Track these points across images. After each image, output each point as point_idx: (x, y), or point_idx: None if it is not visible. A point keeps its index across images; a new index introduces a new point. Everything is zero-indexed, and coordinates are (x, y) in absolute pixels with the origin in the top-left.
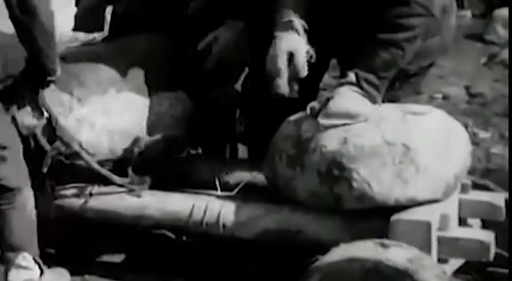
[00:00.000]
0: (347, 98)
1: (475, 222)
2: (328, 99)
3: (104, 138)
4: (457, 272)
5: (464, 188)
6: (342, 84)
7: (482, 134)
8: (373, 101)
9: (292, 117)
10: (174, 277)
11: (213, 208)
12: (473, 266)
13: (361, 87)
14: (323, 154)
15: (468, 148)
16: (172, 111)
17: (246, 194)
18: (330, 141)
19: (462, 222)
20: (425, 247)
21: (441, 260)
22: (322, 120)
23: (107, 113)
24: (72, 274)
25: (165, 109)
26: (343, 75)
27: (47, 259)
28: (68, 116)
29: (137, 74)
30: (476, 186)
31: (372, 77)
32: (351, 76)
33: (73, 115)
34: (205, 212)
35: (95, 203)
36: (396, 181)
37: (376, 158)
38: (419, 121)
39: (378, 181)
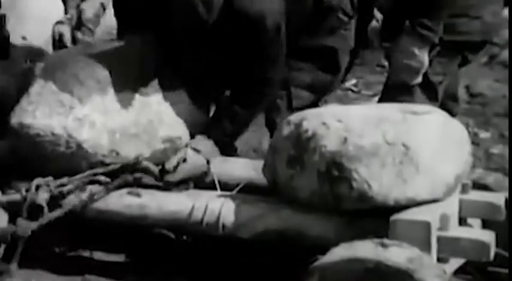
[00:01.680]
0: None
1: (476, 222)
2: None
3: (105, 137)
4: (457, 272)
5: (464, 188)
6: (399, 35)
7: (483, 134)
8: (430, 42)
9: (292, 117)
10: (174, 276)
11: (213, 207)
12: (473, 266)
13: (418, 33)
14: (323, 154)
15: (468, 148)
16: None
17: (246, 194)
18: (330, 141)
19: (462, 222)
20: (425, 247)
21: (441, 260)
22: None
23: (107, 112)
24: (72, 273)
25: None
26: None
27: (47, 259)
28: (69, 116)
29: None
30: (477, 186)
31: (427, 22)
32: (406, 24)
33: (73, 115)
34: (205, 212)
35: (96, 202)
36: (396, 181)
37: (376, 158)
38: (419, 121)
39: (378, 181)
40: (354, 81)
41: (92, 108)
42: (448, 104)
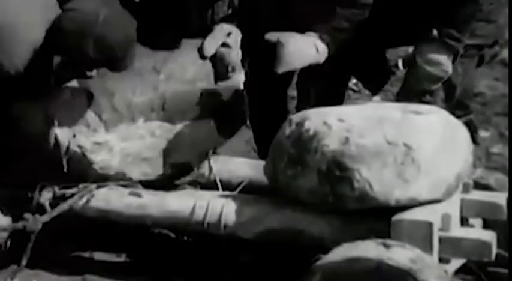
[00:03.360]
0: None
1: (477, 221)
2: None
3: (117, 160)
4: (458, 272)
5: (465, 188)
6: (425, 42)
7: (483, 134)
8: (456, 52)
9: (294, 117)
10: (174, 276)
11: (215, 207)
12: (474, 265)
13: (445, 44)
14: (324, 154)
15: (470, 147)
16: (190, 140)
17: (247, 193)
18: (332, 140)
19: (464, 221)
20: (427, 247)
21: (443, 260)
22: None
23: (128, 139)
24: (72, 273)
25: (184, 138)
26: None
27: (47, 259)
28: (89, 137)
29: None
30: (477, 186)
31: (453, 32)
32: (434, 33)
33: (95, 138)
34: (206, 211)
35: (96, 202)
36: (397, 181)
37: (378, 158)
38: (421, 121)
39: (379, 181)
40: (354, 80)
41: (114, 135)
42: (466, 102)
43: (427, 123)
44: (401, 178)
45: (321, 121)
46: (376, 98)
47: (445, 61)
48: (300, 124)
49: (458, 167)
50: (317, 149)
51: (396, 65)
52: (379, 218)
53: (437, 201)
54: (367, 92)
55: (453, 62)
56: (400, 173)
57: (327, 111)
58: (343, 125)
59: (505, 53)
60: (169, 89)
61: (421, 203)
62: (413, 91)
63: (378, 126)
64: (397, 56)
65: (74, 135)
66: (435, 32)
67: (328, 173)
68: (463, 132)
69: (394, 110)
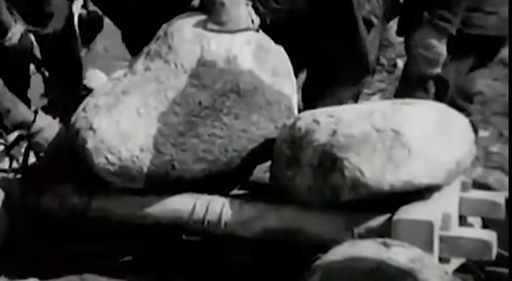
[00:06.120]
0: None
1: (476, 221)
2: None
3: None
4: (457, 271)
5: (464, 187)
6: (419, 27)
7: (482, 133)
8: (448, 34)
9: (287, 121)
10: (175, 275)
11: (215, 206)
12: (473, 265)
13: (436, 25)
14: (315, 148)
15: (470, 135)
16: None
17: (247, 192)
18: (321, 134)
19: (462, 220)
20: (427, 247)
21: (442, 260)
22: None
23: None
24: (72, 273)
25: None
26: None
27: (47, 258)
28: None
29: None
30: (477, 185)
31: (446, 13)
32: (425, 14)
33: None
34: (206, 210)
35: (96, 201)
36: (388, 165)
37: (366, 145)
38: (410, 109)
39: (370, 167)
40: None
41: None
42: (462, 104)
43: (417, 111)
44: (392, 162)
45: (311, 119)
46: (375, 97)
47: (436, 43)
48: (292, 126)
49: (457, 153)
50: (308, 146)
51: (394, 65)
52: (380, 217)
53: (437, 186)
54: (365, 91)
55: (448, 46)
56: (390, 158)
57: (318, 111)
58: (332, 119)
59: (504, 53)
60: None
61: (419, 188)
62: (415, 78)
63: (367, 117)
64: (395, 55)
65: None
66: (425, 14)
67: (320, 167)
68: (461, 121)
69: (385, 104)
